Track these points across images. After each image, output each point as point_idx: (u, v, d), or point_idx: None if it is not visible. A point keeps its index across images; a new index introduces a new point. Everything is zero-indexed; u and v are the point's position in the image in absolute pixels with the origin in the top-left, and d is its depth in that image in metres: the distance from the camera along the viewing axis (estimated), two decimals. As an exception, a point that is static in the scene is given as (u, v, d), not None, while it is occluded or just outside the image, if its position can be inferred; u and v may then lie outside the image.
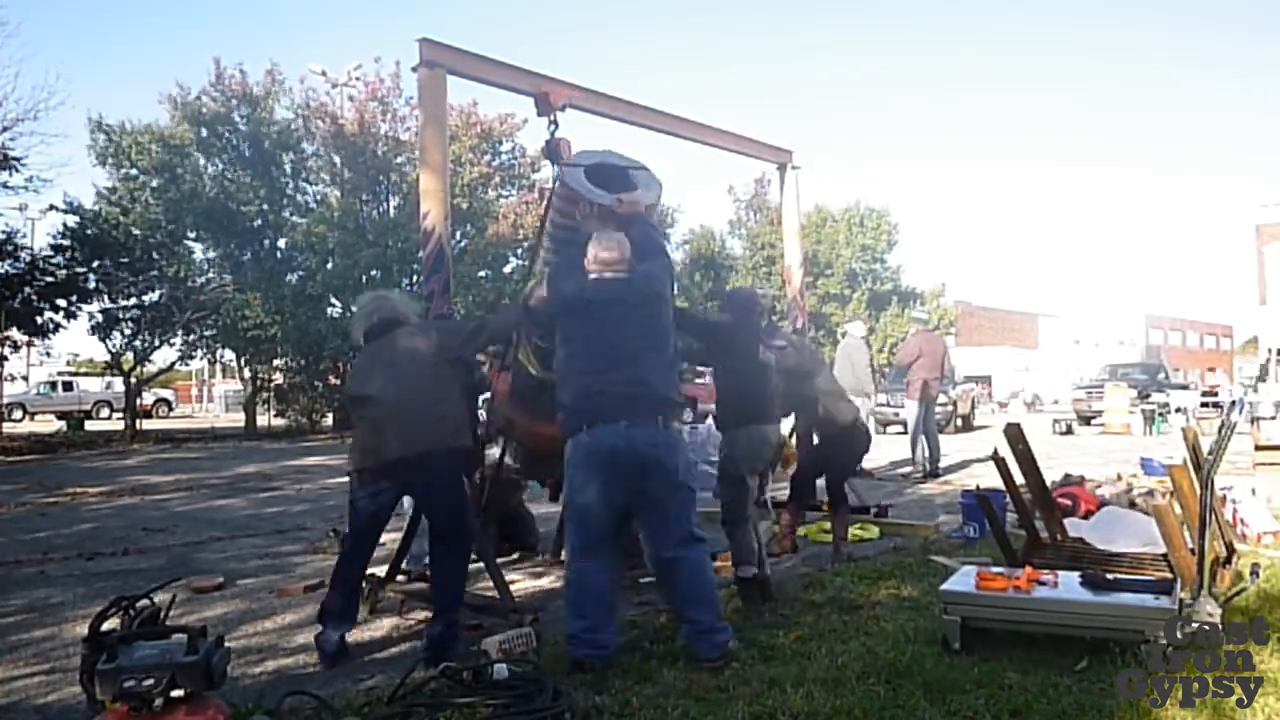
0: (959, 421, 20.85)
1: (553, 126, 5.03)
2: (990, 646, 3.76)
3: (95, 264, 20.33)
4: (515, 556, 6.15)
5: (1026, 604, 3.83)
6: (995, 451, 5.37)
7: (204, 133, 23.50)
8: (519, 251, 24.20)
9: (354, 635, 4.41)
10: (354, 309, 4.50)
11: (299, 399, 23.89)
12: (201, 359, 29.03)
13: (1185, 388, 24.81)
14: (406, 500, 4.58)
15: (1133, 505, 6.63)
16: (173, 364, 26.68)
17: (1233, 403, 8.71)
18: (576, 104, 5.83)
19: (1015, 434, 5.25)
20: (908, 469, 11.20)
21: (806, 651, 3.85)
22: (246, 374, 25.29)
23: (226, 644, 2.96)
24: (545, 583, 5.51)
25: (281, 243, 24.33)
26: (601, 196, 4.31)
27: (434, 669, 3.42)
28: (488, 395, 5.24)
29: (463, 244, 22.73)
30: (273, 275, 22.68)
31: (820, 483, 6.43)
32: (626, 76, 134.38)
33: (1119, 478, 8.46)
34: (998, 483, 5.54)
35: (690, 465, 4.03)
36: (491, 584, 4.44)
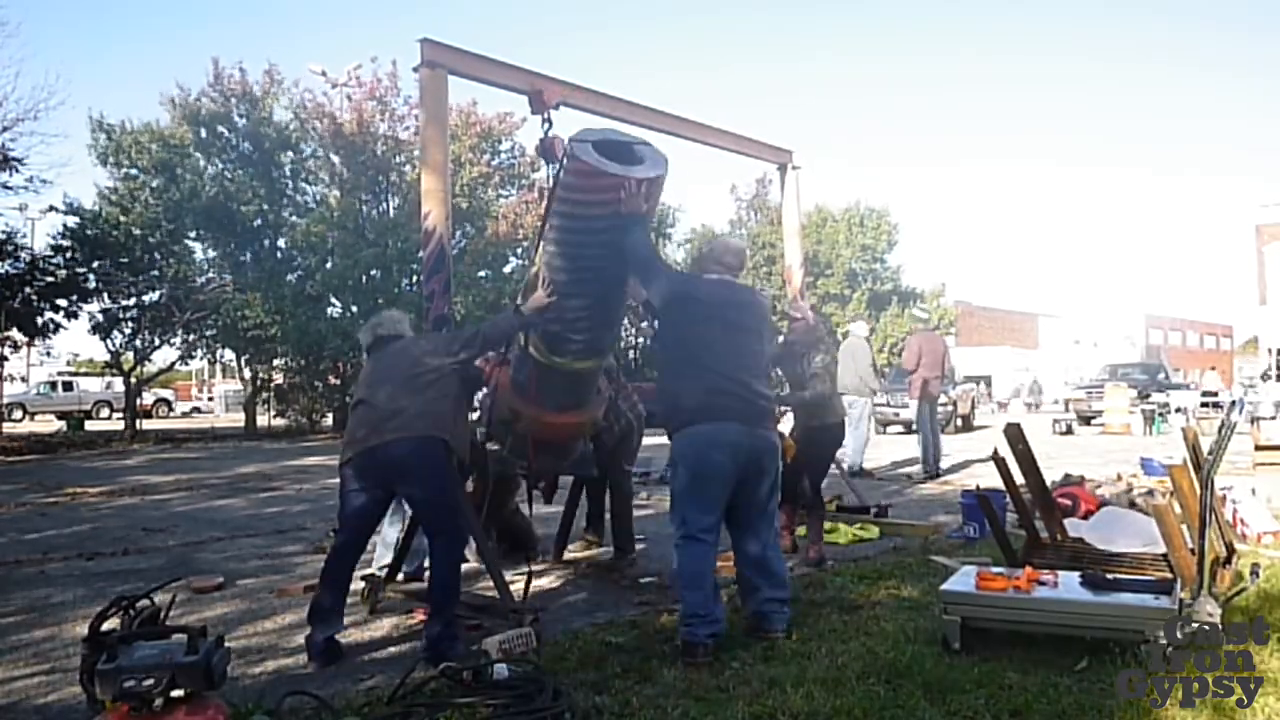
0: (959, 421, 20.86)
1: (547, 125, 5.01)
2: (990, 646, 3.76)
3: (95, 264, 20.35)
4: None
5: (1026, 604, 3.83)
6: (995, 451, 5.37)
7: (203, 133, 23.48)
8: (519, 251, 24.19)
9: (354, 635, 4.42)
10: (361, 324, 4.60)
11: (299, 399, 23.90)
12: (201, 359, 29.04)
13: (1186, 388, 24.82)
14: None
15: (1133, 505, 6.63)
16: (173, 364, 26.69)
17: (1233, 403, 8.72)
18: (573, 103, 5.83)
19: (1015, 434, 5.25)
20: (912, 469, 11.21)
21: (806, 651, 3.85)
22: (246, 374, 25.30)
23: (226, 644, 2.97)
24: (545, 582, 5.51)
25: (281, 243, 24.32)
26: (644, 169, 4.22)
27: (434, 669, 3.42)
28: (485, 390, 5.20)
29: (462, 244, 22.72)
30: (273, 275, 22.67)
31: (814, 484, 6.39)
32: (627, 76, 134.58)
33: (1119, 478, 8.47)
34: (998, 483, 5.54)
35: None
36: (492, 584, 4.44)
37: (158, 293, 21.78)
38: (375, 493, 4.16)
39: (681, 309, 4.12)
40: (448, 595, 4.08)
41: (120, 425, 23.34)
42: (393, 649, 4.24)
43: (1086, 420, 21.89)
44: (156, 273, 21.53)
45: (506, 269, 24.54)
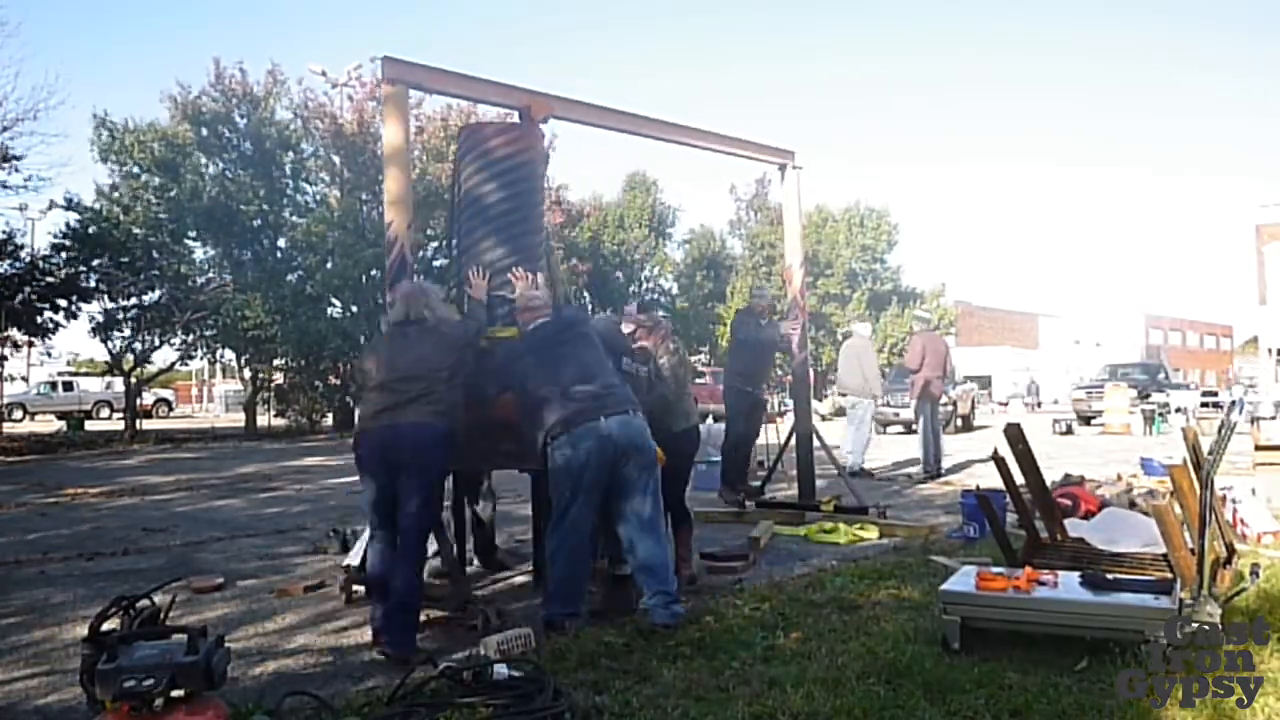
0: (959, 421, 20.87)
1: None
2: (990, 646, 3.76)
3: (95, 263, 20.34)
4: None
5: (1026, 604, 3.83)
6: (995, 451, 5.36)
7: (204, 132, 23.49)
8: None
9: (354, 636, 4.42)
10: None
11: (299, 399, 23.90)
12: (201, 359, 29.03)
13: (1186, 387, 24.83)
14: None
15: (1133, 505, 6.63)
16: (173, 364, 26.69)
17: (1232, 403, 8.71)
18: (569, 116, 5.88)
19: (1015, 434, 5.24)
20: (913, 469, 11.21)
21: (806, 651, 3.85)
22: (246, 374, 25.29)
23: (226, 644, 2.96)
24: (518, 580, 5.47)
25: (281, 242, 24.33)
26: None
27: (434, 669, 3.41)
28: None
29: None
30: (273, 275, 22.68)
31: (817, 483, 6.39)
32: (627, 76, 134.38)
33: (1119, 478, 8.47)
34: (998, 483, 5.54)
35: None
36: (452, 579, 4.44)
37: (158, 293, 21.77)
38: (381, 479, 4.16)
39: (524, 365, 4.50)
40: (417, 594, 4.13)
41: (120, 425, 23.35)
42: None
43: (1086, 420, 21.89)
44: (156, 273, 21.52)
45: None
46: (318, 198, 24.80)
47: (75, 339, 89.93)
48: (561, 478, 4.28)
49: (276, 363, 24.19)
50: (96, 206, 22.00)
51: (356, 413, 4.44)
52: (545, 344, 4.54)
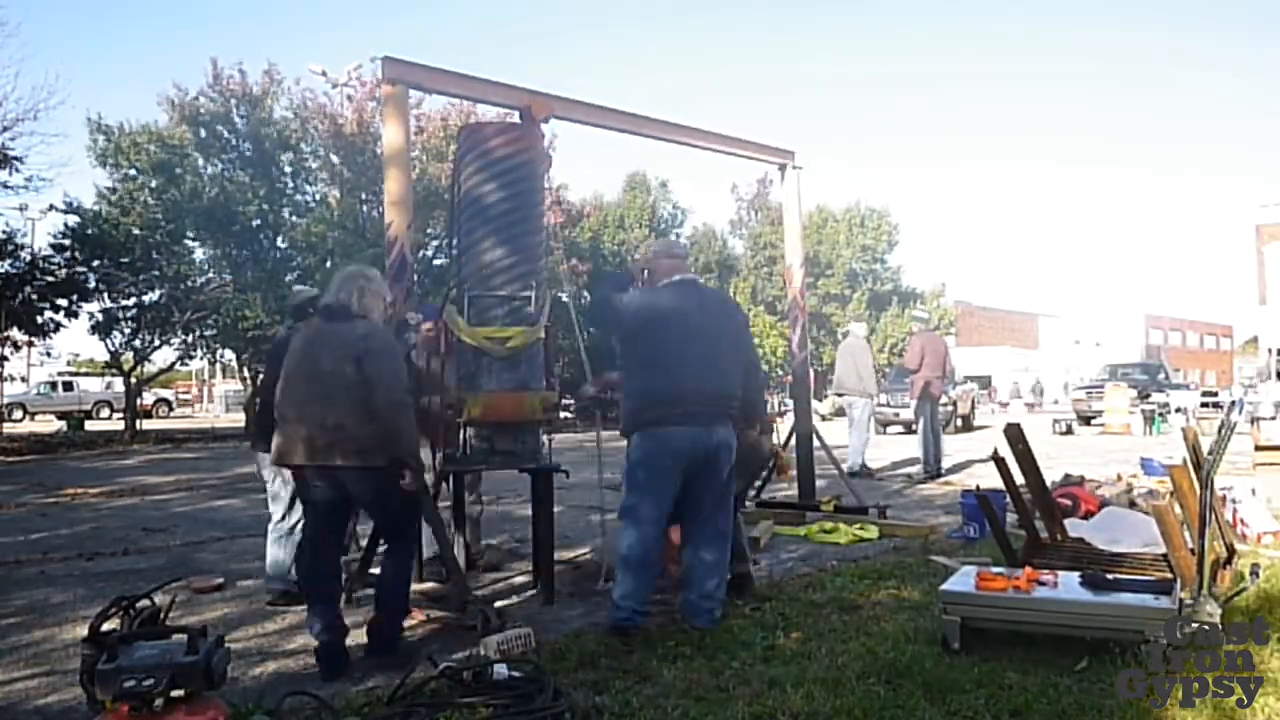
0: (959, 421, 20.87)
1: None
2: (990, 646, 3.76)
3: (95, 264, 20.34)
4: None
5: (1026, 604, 3.83)
6: (995, 451, 5.37)
7: (203, 133, 23.48)
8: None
9: (352, 636, 4.41)
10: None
11: (299, 399, 23.84)
12: (201, 359, 29.01)
13: (1186, 387, 24.82)
14: None
15: (1133, 505, 6.63)
16: (173, 364, 26.69)
17: (1232, 403, 8.71)
18: (570, 116, 5.89)
19: (1015, 434, 5.24)
20: (912, 469, 11.21)
21: (806, 651, 3.85)
22: (246, 374, 25.27)
23: (226, 644, 2.96)
24: (518, 580, 5.44)
25: (281, 243, 24.31)
26: None
27: (434, 669, 3.41)
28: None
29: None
30: (273, 275, 22.66)
31: (817, 483, 6.38)
32: (627, 77, 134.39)
33: (1119, 478, 8.47)
34: (998, 483, 5.54)
35: None
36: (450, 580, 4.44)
37: (157, 293, 21.76)
38: None
39: (649, 325, 4.27)
40: (393, 594, 4.17)
41: (120, 425, 23.34)
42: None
43: (1086, 420, 21.89)
44: (156, 273, 21.50)
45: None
46: (317, 198, 24.80)
47: (75, 339, 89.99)
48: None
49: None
50: (96, 209, 22.00)
51: None
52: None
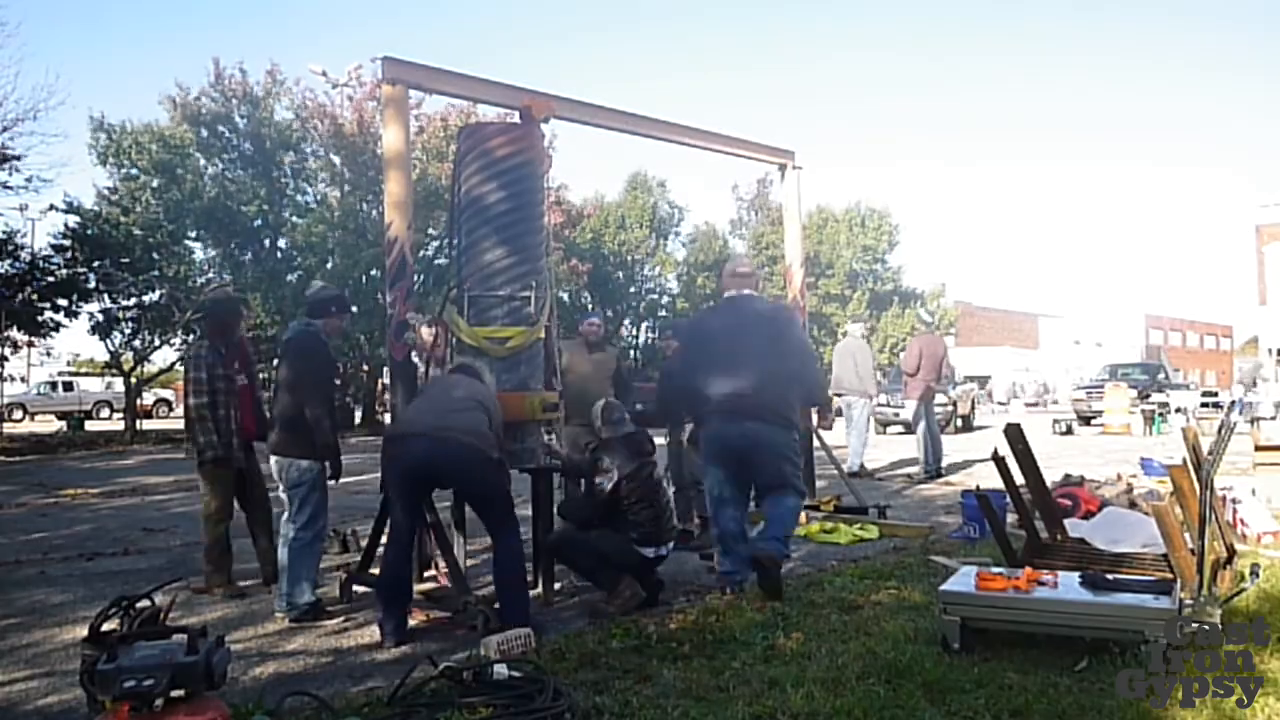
0: (959, 421, 20.85)
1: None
2: (990, 646, 3.76)
3: (95, 264, 20.34)
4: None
5: (1026, 604, 3.83)
6: (995, 451, 5.36)
7: (204, 133, 23.49)
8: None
9: (353, 636, 4.43)
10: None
11: (299, 399, 23.84)
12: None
13: (1186, 388, 24.81)
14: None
15: (1133, 505, 6.63)
16: (173, 364, 26.66)
17: (1232, 403, 8.71)
18: (568, 116, 5.90)
19: (1015, 434, 5.24)
20: (912, 469, 11.20)
21: (806, 651, 3.85)
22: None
23: (226, 644, 2.96)
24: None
25: (282, 243, 24.33)
26: None
27: (434, 669, 3.41)
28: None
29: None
30: (273, 275, 22.68)
31: (817, 484, 6.40)
32: (628, 77, 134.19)
33: (1119, 478, 8.46)
34: (998, 483, 5.54)
35: None
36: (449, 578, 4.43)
37: (158, 293, 21.76)
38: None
39: (691, 342, 5.39)
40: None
41: (120, 425, 23.33)
42: (393, 649, 4.23)
43: (1086, 420, 21.88)
44: (156, 273, 21.52)
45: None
46: (318, 198, 24.81)
47: (75, 339, 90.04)
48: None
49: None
50: (96, 209, 22.00)
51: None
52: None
